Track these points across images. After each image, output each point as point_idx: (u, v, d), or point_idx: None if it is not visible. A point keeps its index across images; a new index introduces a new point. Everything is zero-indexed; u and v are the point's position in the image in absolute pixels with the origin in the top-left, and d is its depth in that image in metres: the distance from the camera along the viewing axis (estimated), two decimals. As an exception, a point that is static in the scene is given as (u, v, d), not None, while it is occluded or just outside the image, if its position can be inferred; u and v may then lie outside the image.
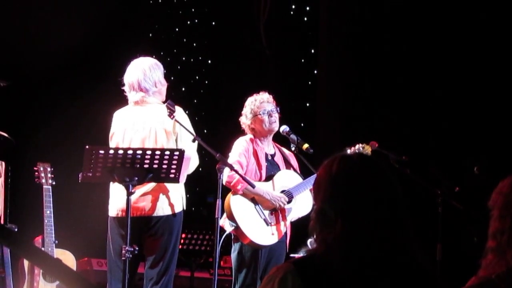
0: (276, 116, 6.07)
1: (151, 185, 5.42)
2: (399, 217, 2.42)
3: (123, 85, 5.66)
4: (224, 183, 5.76)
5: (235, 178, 5.73)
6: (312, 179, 5.96)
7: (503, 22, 7.96)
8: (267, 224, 5.88)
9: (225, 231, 5.86)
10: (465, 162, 6.97)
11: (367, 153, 6.19)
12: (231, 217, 5.82)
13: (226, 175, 5.73)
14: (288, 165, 6.21)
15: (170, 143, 5.47)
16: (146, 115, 5.53)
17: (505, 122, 7.78)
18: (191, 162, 5.50)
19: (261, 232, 5.85)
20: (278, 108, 6.08)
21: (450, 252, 6.35)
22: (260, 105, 6.05)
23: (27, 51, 8.74)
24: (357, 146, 6.30)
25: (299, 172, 6.21)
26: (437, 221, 6.21)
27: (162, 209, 5.44)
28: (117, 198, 5.47)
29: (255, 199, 5.89)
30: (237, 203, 5.84)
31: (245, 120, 6.09)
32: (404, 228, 2.42)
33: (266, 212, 5.91)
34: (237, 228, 5.80)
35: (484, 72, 8.02)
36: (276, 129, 6.12)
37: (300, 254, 6.26)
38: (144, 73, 5.57)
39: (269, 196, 5.88)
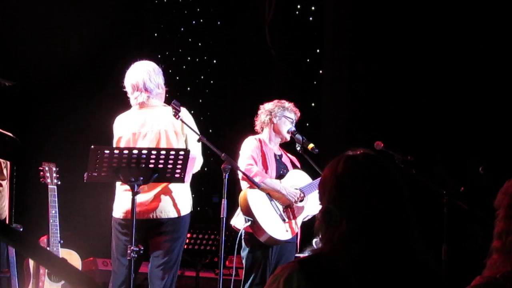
0: (292, 130, 6.20)
1: (158, 188, 5.42)
2: (405, 217, 2.42)
3: (125, 87, 5.64)
4: (240, 178, 5.85)
5: (252, 172, 5.78)
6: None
7: (507, 23, 7.94)
8: (283, 220, 5.93)
9: (238, 230, 5.88)
10: (470, 162, 6.96)
11: None
12: (247, 212, 5.83)
13: (242, 170, 5.78)
14: (294, 166, 6.27)
15: (180, 145, 5.47)
16: (153, 118, 5.52)
17: (510, 122, 7.76)
18: (196, 162, 5.50)
19: (278, 226, 5.89)
20: (295, 127, 6.26)
21: (455, 252, 6.34)
22: (293, 112, 6.23)
23: (34, 53, 8.76)
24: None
25: None
26: (443, 221, 6.20)
27: (170, 212, 5.43)
28: (122, 200, 5.47)
29: (271, 195, 5.94)
30: (254, 197, 5.88)
31: (269, 112, 6.18)
32: (410, 228, 2.42)
33: (281, 208, 5.96)
34: (253, 223, 5.81)
35: (490, 72, 8.01)
36: (289, 139, 6.28)
37: (306, 254, 6.27)
38: (149, 74, 5.57)
39: (286, 191, 5.95)
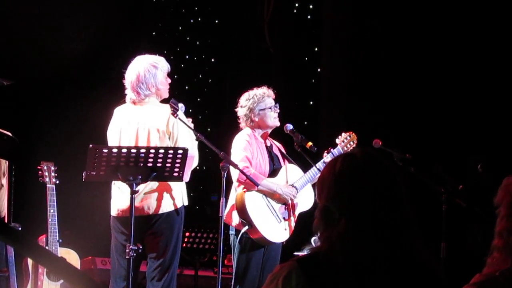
0: (277, 112, 6.08)
1: (150, 183, 5.40)
2: (403, 215, 2.42)
3: (124, 78, 5.65)
4: (235, 180, 5.77)
5: (249, 173, 5.67)
6: (312, 172, 5.98)
7: (506, 22, 7.95)
8: (279, 221, 5.89)
9: (233, 227, 5.84)
10: (469, 160, 6.96)
11: (353, 141, 6.24)
12: (244, 215, 5.76)
13: (237, 173, 5.72)
14: (283, 156, 6.19)
15: (164, 143, 5.44)
16: (141, 114, 5.51)
17: (509, 120, 7.77)
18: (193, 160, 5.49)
19: (274, 229, 5.84)
20: (277, 104, 6.10)
21: (454, 250, 6.34)
22: (265, 99, 6.06)
23: (32, 52, 8.76)
24: (343, 135, 6.32)
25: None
26: (441, 219, 6.20)
27: (163, 206, 5.43)
28: (117, 198, 5.48)
29: (266, 194, 5.87)
30: (251, 200, 5.81)
31: (246, 112, 6.05)
32: (408, 226, 2.42)
33: (277, 207, 5.91)
34: (250, 226, 5.76)
35: (488, 70, 8.01)
36: (278, 124, 6.12)
37: (304, 252, 6.26)
38: (138, 76, 5.53)
39: (281, 191, 5.88)
